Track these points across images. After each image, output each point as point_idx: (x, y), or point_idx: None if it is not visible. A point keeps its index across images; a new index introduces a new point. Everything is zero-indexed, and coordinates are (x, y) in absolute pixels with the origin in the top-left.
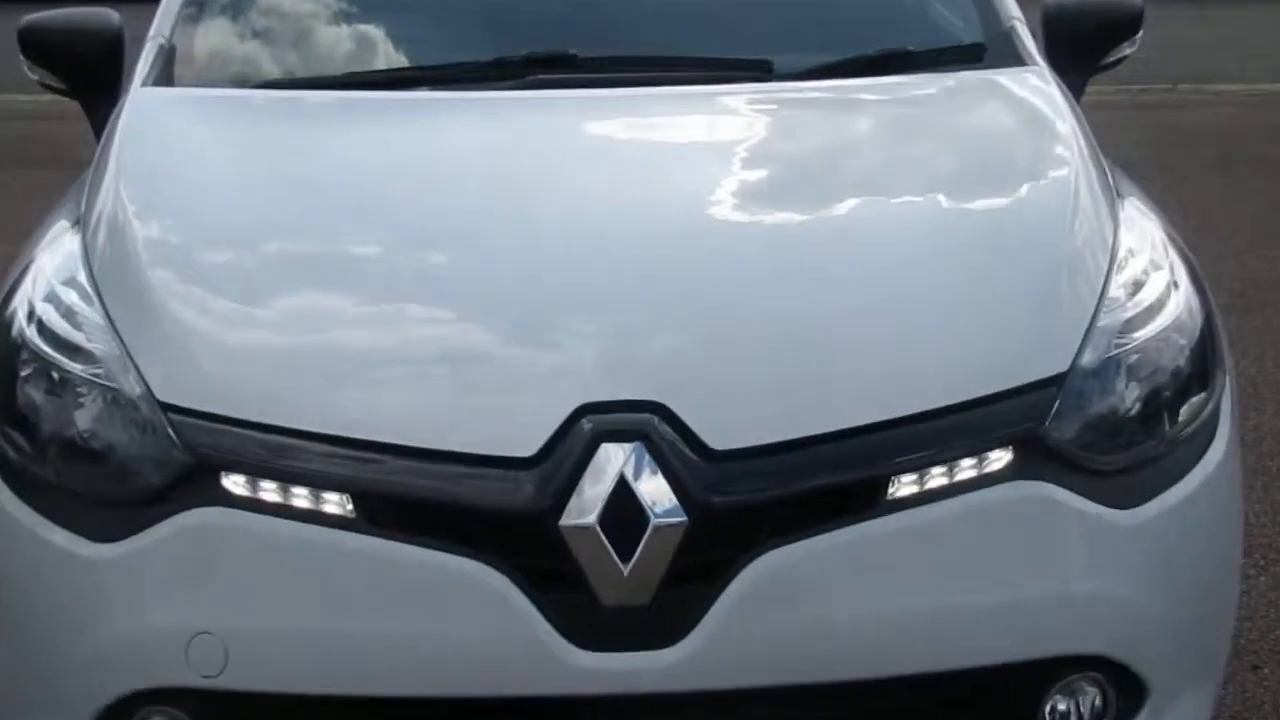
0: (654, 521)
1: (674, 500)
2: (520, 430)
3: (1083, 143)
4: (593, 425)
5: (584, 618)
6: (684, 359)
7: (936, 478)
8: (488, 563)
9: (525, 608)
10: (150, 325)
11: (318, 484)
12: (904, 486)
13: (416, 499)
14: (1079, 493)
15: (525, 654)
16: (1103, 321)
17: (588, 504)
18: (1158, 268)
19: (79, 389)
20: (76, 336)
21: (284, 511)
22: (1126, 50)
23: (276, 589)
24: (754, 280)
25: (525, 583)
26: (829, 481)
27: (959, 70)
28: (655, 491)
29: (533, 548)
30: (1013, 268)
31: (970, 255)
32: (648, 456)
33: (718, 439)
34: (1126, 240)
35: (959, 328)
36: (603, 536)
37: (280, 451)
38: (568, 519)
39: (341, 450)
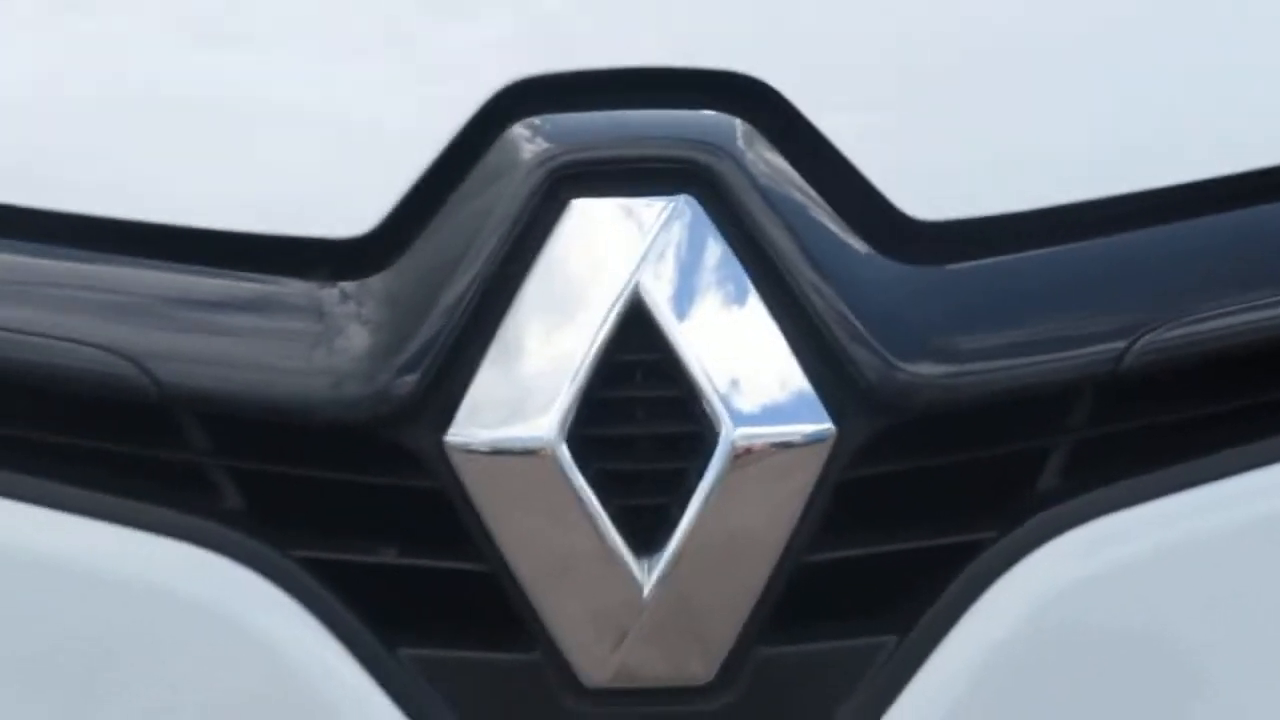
0: (732, 435)
1: (796, 373)
2: (334, 162)
3: None
4: (548, 145)
5: None
6: None
7: None
8: (243, 558)
9: (354, 689)
10: None
11: None
12: None
13: (25, 370)
14: None
15: None
16: None
17: (531, 384)
18: None
19: None
20: None
21: None
22: None
23: None
24: None
25: (355, 618)
26: (1260, 318)
27: None
28: (735, 346)
29: (374, 515)
30: None
31: None
32: (714, 235)
33: (926, 191)
34: None
35: None
36: (578, 480)
37: None
38: (472, 428)
39: None
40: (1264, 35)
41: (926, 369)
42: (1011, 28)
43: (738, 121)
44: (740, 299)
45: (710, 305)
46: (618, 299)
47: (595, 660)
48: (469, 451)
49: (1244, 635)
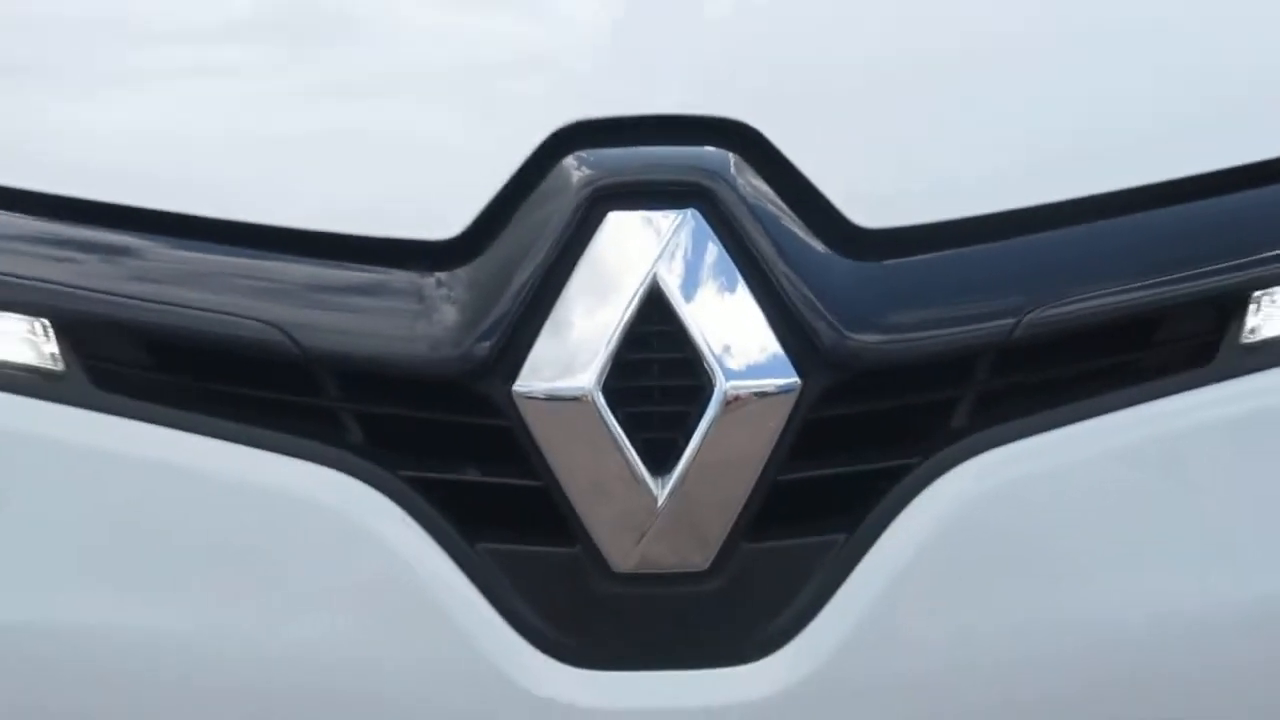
0: (724, 386)
1: (770, 339)
2: (429, 184)
3: None
4: (590, 172)
5: (572, 599)
6: (795, 32)
7: None
8: (362, 476)
9: (443, 573)
10: None
11: None
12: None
13: (200, 335)
14: None
15: (444, 672)
16: None
17: (577, 348)
18: None
19: None
20: None
21: None
22: None
23: None
24: None
25: (445, 520)
26: (1113, 301)
27: None
28: (727, 319)
29: (459, 445)
30: None
31: None
32: (713, 240)
33: (870, 205)
34: None
35: None
36: (610, 419)
37: None
38: (533, 380)
39: (30, 224)
40: (1139, 70)
41: (868, 337)
42: (936, 80)
43: (730, 155)
44: (731, 286)
45: (709, 290)
46: (641, 285)
47: (621, 553)
48: (530, 398)
49: (1102, 534)
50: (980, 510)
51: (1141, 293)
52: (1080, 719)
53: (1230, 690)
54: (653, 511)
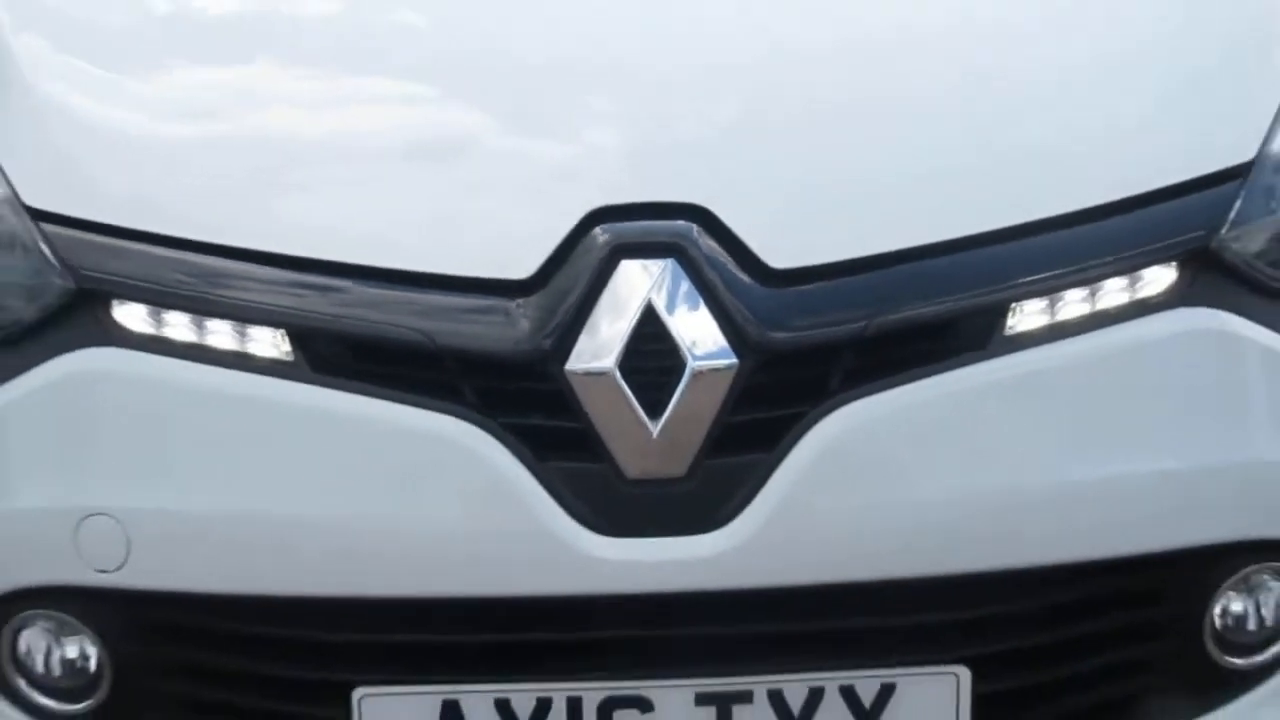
0: (692, 365)
1: (719, 336)
2: (511, 245)
3: None
4: (609, 237)
5: (601, 494)
6: (733, 148)
7: (1071, 306)
8: (473, 422)
9: (523, 480)
10: (14, 105)
11: (244, 317)
12: (1027, 317)
13: (375, 337)
14: (1267, 325)
15: (523, 540)
16: None
17: (603, 343)
18: None
19: None
20: None
21: (199, 353)
22: None
23: (191, 457)
24: (826, 43)
25: (524, 448)
26: (926, 311)
27: None
28: (694, 325)
29: (532, 402)
30: (1174, 33)
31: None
32: (684, 277)
33: (779, 254)
34: None
35: (1093, 106)
36: (624, 386)
37: (193, 273)
38: (576, 363)
39: (275, 272)
40: (942, 146)
41: (778, 335)
42: (827, 175)
43: (695, 225)
44: (696, 305)
45: (683, 308)
46: (641, 305)
47: (632, 466)
48: (576, 374)
49: (920, 452)
50: (847, 438)
51: (944, 305)
52: (908, 561)
53: (985, 550)
54: (650, 441)
